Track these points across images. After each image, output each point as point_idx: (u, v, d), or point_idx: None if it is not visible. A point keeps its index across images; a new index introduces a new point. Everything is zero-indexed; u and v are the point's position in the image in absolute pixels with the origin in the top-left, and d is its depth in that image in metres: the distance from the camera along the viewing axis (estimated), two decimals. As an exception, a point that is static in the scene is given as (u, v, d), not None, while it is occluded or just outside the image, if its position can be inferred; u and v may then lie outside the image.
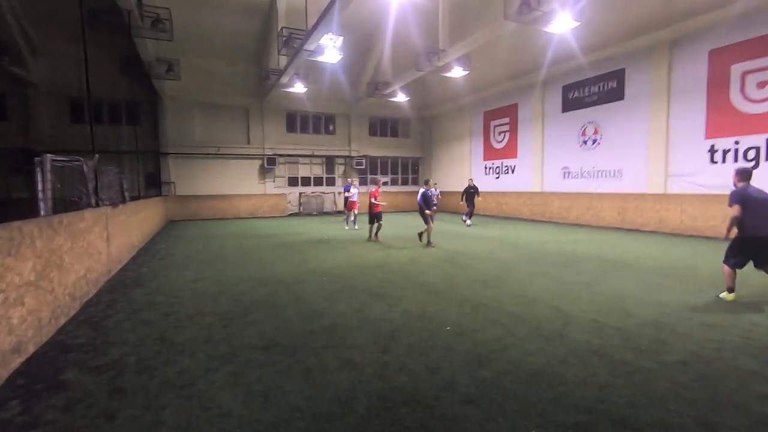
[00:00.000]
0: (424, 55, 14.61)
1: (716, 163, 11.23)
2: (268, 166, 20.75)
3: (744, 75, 10.57)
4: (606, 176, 14.31)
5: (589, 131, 14.89)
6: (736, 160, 10.80)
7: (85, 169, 6.06)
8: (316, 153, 22.58)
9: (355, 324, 4.54)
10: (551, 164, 16.64)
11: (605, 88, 14.23)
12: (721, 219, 10.98)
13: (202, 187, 19.91)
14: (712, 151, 11.31)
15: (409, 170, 25.87)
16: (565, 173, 16.05)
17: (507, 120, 18.93)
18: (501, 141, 19.46)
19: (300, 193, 22.11)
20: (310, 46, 12.76)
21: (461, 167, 22.46)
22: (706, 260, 7.99)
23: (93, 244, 6.08)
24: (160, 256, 9.18)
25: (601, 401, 2.87)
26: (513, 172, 18.67)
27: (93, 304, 5.47)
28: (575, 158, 15.51)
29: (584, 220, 15.01)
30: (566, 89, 15.71)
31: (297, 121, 22.43)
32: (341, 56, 13.43)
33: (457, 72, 14.95)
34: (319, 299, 5.53)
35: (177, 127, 19.15)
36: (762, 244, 4.95)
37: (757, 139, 10.36)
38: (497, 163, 19.79)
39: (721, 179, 11.02)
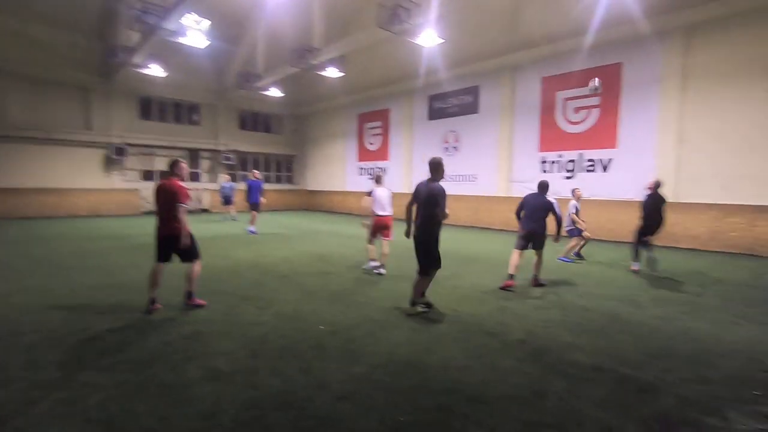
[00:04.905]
0: (298, 51, 14.35)
1: (546, 172, 13.48)
2: (116, 156, 17.92)
3: (565, 101, 12.92)
4: (464, 180, 16.00)
5: (451, 139, 16.48)
6: (559, 170, 13.14)
7: None
8: (177, 145, 20.29)
9: (223, 330, 4.22)
10: (419, 168, 17.93)
11: (464, 101, 15.91)
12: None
13: (21, 178, 16.18)
14: (543, 162, 13.57)
15: (282, 168, 25.10)
16: (430, 176, 17.46)
17: (380, 124, 19.78)
18: (374, 144, 20.25)
19: (157, 189, 19.60)
20: (169, 24, 11.44)
21: (336, 167, 22.70)
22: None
23: None
24: (-43, 265, 7.20)
25: (459, 382, 3.20)
26: (385, 173, 19.57)
27: None
28: (439, 163, 16.95)
29: (446, 220, 16.53)
30: (432, 99, 17.10)
31: (153, 107, 19.84)
32: (209, 42, 12.36)
33: (332, 72, 15.04)
34: (179, 305, 4.99)
35: (-17, 102, 15.25)
36: None
37: (574, 154, 12.78)
38: (371, 164, 20.54)
39: (550, 187, 13.28)
